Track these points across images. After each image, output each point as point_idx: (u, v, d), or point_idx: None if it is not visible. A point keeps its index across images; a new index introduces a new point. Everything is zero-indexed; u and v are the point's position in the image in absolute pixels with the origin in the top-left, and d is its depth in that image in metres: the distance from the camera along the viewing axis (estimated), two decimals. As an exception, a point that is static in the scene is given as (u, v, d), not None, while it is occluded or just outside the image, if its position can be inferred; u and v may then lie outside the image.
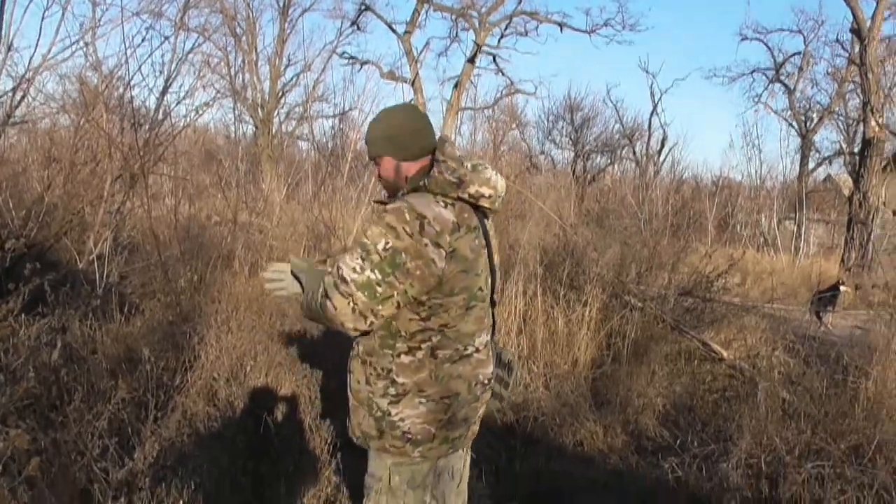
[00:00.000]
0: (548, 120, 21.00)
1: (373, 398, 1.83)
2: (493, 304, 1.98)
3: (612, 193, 13.44)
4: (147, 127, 5.87)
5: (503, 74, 18.21)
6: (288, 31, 16.79)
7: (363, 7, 17.35)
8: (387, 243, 1.70)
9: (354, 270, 1.71)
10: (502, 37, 17.80)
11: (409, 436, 1.82)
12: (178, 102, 6.25)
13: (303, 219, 8.43)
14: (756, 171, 19.51)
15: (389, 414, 1.82)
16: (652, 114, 20.12)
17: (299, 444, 3.22)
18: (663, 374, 4.59)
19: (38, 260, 3.01)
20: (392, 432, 1.83)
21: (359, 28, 17.89)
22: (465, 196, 1.81)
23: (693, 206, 13.62)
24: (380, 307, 1.72)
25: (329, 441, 3.11)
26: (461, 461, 2.07)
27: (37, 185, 6.13)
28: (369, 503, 1.93)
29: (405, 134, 1.89)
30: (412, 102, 14.43)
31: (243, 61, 15.33)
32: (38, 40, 5.63)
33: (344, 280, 1.72)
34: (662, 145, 19.93)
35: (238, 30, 15.22)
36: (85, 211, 5.25)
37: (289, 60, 17.02)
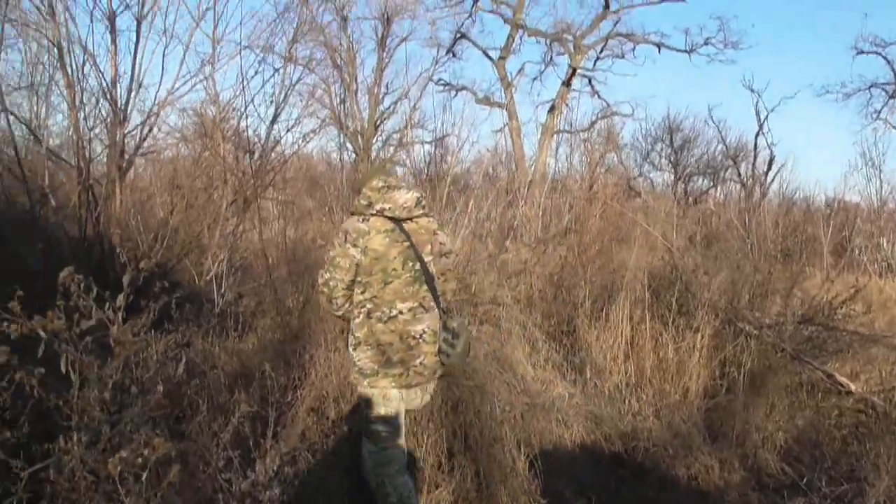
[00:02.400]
0: (646, 142, 20.50)
1: (349, 349, 2.87)
2: (430, 282, 2.79)
3: (716, 216, 12.85)
4: (258, 155, 6.16)
5: (599, 97, 18.00)
6: (386, 60, 17.31)
7: (458, 35, 17.68)
8: (330, 254, 2.82)
9: (320, 277, 2.88)
10: (598, 59, 17.65)
11: (361, 370, 2.80)
12: (288, 130, 6.52)
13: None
14: (876, 192, 18.12)
15: (352, 357, 2.84)
16: (758, 134, 19.19)
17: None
18: (783, 407, 4.32)
19: (163, 279, 3.18)
20: (353, 369, 2.85)
21: (454, 55, 18.22)
22: (374, 212, 2.76)
23: (805, 230, 12.83)
24: (335, 294, 2.82)
25: (438, 457, 3.10)
26: (418, 398, 2.93)
27: (160, 210, 6.57)
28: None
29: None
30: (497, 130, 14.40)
31: (345, 91, 15.88)
32: (162, 77, 6.05)
33: (318, 284, 2.91)
34: (770, 166, 18.96)
35: (339, 61, 15.84)
36: (203, 234, 5.57)
37: (387, 89, 17.49)
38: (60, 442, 2.41)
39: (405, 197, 2.78)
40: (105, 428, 2.53)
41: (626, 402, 4.14)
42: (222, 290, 5.00)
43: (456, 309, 3.20)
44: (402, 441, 2.83)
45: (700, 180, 20.37)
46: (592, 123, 16.60)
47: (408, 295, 2.75)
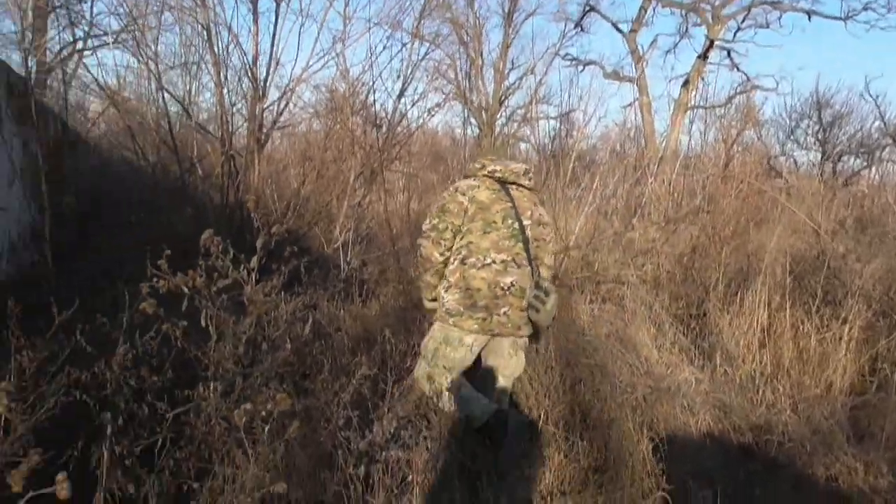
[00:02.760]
0: (790, 118, 18.89)
1: (439, 290, 3.12)
2: (525, 242, 3.00)
3: (871, 199, 11.70)
4: (385, 128, 6.31)
5: (739, 70, 16.77)
6: (512, 36, 17.10)
7: (587, 8, 17.09)
8: (440, 203, 3.10)
9: (427, 223, 3.11)
10: (738, 30, 16.37)
11: (448, 311, 3.03)
12: (413, 105, 6.64)
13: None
14: None
15: (442, 299, 3.08)
16: (924, 109, 17.22)
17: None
18: (945, 411, 3.84)
19: (294, 245, 3.32)
20: (441, 309, 3.08)
21: (582, 29, 17.66)
22: (486, 173, 3.11)
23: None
24: (444, 236, 3.02)
25: (560, 425, 3.04)
26: (505, 345, 3.11)
27: (293, 180, 6.91)
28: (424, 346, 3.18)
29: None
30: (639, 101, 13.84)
31: (470, 66, 15.89)
32: (298, 54, 6.32)
33: (423, 231, 3.11)
34: (936, 145, 16.92)
35: (465, 37, 15.86)
36: (332, 203, 5.80)
37: (512, 64, 17.33)
38: (199, 390, 2.60)
39: (517, 165, 3.14)
40: (238, 380, 2.69)
41: (760, 392, 3.85)
42: (348, 258, 5.18)
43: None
44: (454, 375, 3.05)
45: (851, 160, 18.54)
46: (730, 98, 15.50)
47: (503, 248, 2.97)
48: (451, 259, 3.04)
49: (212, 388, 2.55)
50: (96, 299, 4.44)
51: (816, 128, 18.43)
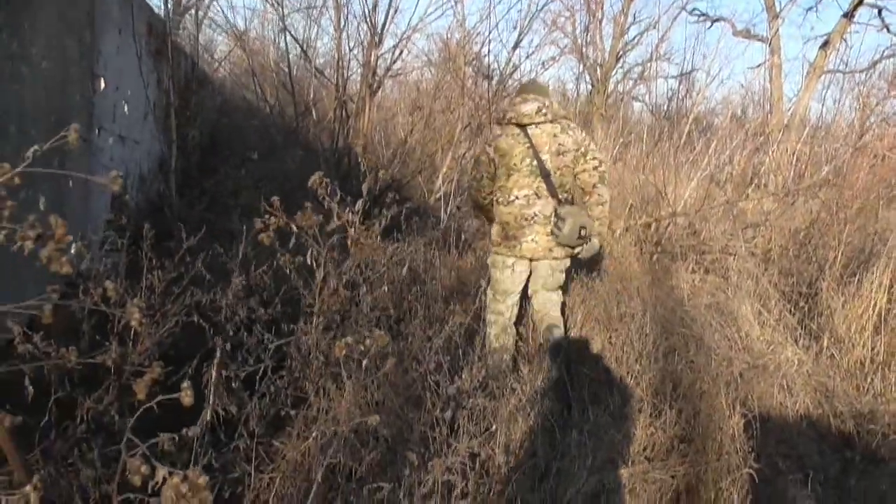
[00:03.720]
0: (942, 88, 17.01)
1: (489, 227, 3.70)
2: (546, 175, 3.33)
3: None
4: (496, 80, 6.24)
5: (889, 31, 15.17)
6: (637, -14, 16.28)
7: (723, -43, 15.91)
8: (476, 155, 3.64)
9: (469, 176, 3.78)
10: (895, -15, 14.77)
11: (492, 241, 3.56)
12: (527, 57, 6.48)
13: (630, 180, 8.25)
14: None
15: (489, 232, 3.64)
16: None
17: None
18: None
19: (397, 192, 3.40)
20: (490, 240, 3.62)
21: (715, -19, 16.51)
22: (508, 119, 3.41)
23: None
24: (483, 184, 3.53)
25: (649, 392, 3.02)
26: (545, 268, 3.48)
27: (401, 130, 7.02)
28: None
29: None
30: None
31: (589, 19, 15.32)
32: (418, 2, 6.31)
33: (468, 182, 3.89)
34: None
35: (586, -13, 15.24)
36: (437, 154, 5.86)
37: (634, 18, 16.53)
38: (302, 324, 2.77)
39: (527, 107, 3.36)
40: (337, 318, 2.83)
41: (868, 379, 3.63)
42: (448, 209, 5.25)
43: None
44: (511, 301, 3.55)
45: None
46: (874, 63, 14.17)
47: (524, 185, 3.37)
48: (492, 200, 3.55)
49: (314, 323, 2.70)
50: (215, 228, 4.78)
51: (973, 100, 16.53)
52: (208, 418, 2.32)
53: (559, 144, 3.35)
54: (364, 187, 3.00)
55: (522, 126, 3.34)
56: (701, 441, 2.77)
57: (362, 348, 1.90)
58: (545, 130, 3.34)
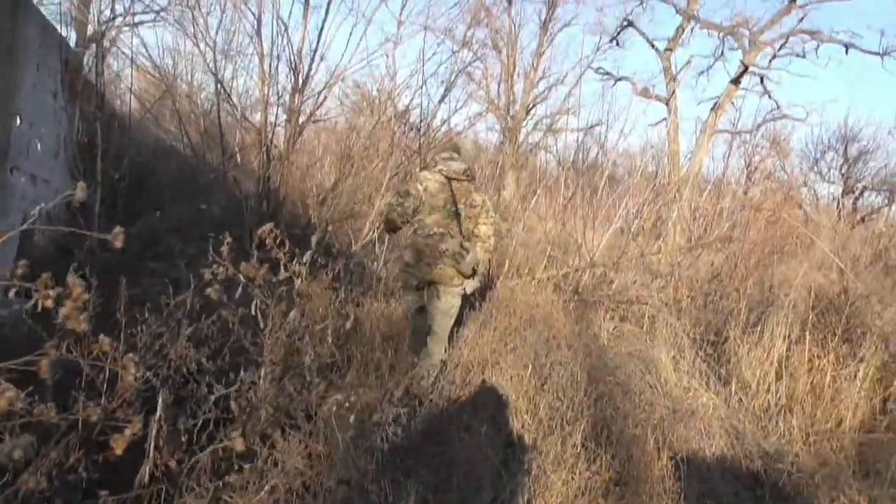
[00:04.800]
0: (815, 150, 18.87)
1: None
2: (459, 220, 4.05)
3: (888, 237, 11.73)
4: (423, 131, 6.42)
5: (770, 97, 16.74)
6: (546, 45, 17.20)
7: (625, 24, 17.10)
8: (405, 186, 4.21)
9: (393, 200, 4.10)
10: (774, 57, 16.32)
11: (406, 263, 4.15)
12: (455, 111, 6.77)
13: (541, 227, 8.60)
14: None
15: (403, 253, 4.27)
16: (951, 151, 17.11)
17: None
18: (952, 455, 3.94)
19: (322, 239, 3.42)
20: (401, 261, 4.26)
21: (617, 44, 17.66)
22: (437, 170, 4.08)
23: None
24: (406, 211, 4.00)
25: (578, 445, 3.15)
26: (438, 292, 4.05)
27: (326, 175, 7.05)
28: None
29: None
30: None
31: (502, 73, 16.01)
32: (345, 50, 6.43)
33: (390, 203, 4.13)
34: (964, 187, 16.85)
35: (500, 43, 15.98)
36: (364, 201, 5.94)
37: (544, 73, 17.42)
38: (243, 375, 2.73)
39: (457, 166, 4.13)
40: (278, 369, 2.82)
41: (774, 422, 3.96)
42: (381, 257, 5.31)
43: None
44: (423, 316, 4.19)
45: (873, 196, 18.50)
46: (759, 125, 15.57)
47: (442, 224, 4.05)
48: (409, 228, 4.15)
49: (262, 374, 2.68)
50: (139, 272, 4.61)
51: (841, 161, 18.44)
52: (149, 471, 2.26)
53: (472, 200, 4.16)
54: (314, 238, 3.03)
55: (449, 178, 4.10)
56: (634, 484, 2.93)
57: (348, 404, 1.93)
58: (464, 186, 4.16)
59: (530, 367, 3.87)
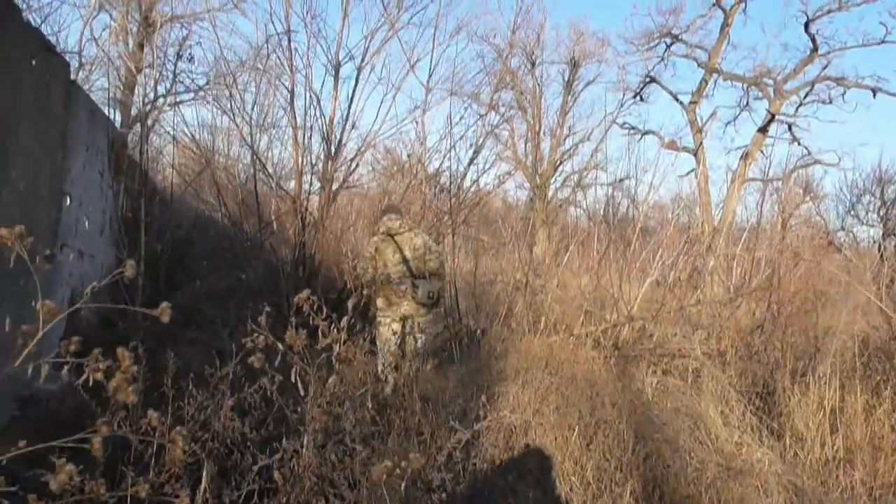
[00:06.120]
0: (851, 193, 18.57)
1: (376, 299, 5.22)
2: (408, 265, 5.08)
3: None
4: (454, 193, 6.53)
5: (800, 144, 16.65)
6: (571, 103, 17.51)
7: (648, 79, 17.34)
8: (364, 253, 5.37)
9: (361, 263, 5.32)
10: (801, 105, 16.32)
11: (379, 308, 5.14)
12: (484, 172, 6.92)
13: (575, 283, 8.54)
14: None
15: (376, 302, 5.17)
16: None
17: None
18: None
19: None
20: (376, 307, 5.16)
21: (641, 99, 17.87)
22: (381, 231, 5.21)
23: None
24: (367, 273, 5.18)
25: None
26: (415, 322, 5.06)
27: (361, 240, 7.16)
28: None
29: None
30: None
31: (528, 132, 16.28)
32: (376, 118, 6.65)
33: (359, 265, 5.37)
34: None
35: (525, 103, 16.31)
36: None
37: (569, 131, 17.66)
38: (285, 444, 2.73)
39: (393, 223, 5.15)
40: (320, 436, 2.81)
41: (834, 476, 3.78)
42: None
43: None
44: (390, 347, 5.07)
45: (912, 237, 18.00)
46: (790, 172, 15.43)
47: (396, 271, 5.07)
48: (377, 280, 5.15)
49: (305, 442, 2.68)
50: (180, 340, 4.70)
51: (878, 203, 18.08)
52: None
53: (414, 245, 5.14)
54: (350, 303, 3.07)
55: (391, 234, 5.13)
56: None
57: (399, 470, 1.91)
58: (405, 236, 5.16)
59: (575, 427, 3.79)
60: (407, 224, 5.21)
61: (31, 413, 3.56)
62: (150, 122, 9.21)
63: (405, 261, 5.06)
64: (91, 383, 1.88)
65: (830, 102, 15.94)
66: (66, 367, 1.93)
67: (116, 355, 1.82)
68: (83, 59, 7.23)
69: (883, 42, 15.09)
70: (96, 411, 2.07)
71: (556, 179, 17.42)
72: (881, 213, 17.97)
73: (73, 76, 4.89)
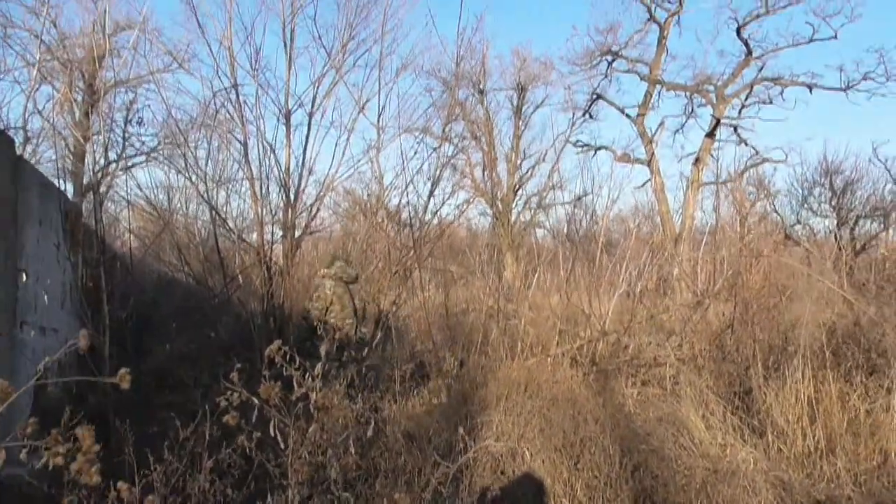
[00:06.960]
0: (802, 187, 19.13)
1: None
2: (353, 304, 5.97)
3: (892, 262, 11.72)
4: (416, 227, 6.56)
5: (747, 145, 17.17)
6: (522, 127, 17.79)
7: (595, 97, 17.76)
8: (317, 293, 6.06)
9: (315, 302, 5.99)
10: (743, 107, 16.88)
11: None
12: (443, 203, 6.95)
13: (546, 303, 8.58)
14: None
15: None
16: (935, 166, 17.30)
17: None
18: None
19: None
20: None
21: (591, 116, 18.27)
22: (322, 275, 5.97)
23: None
24: (317, 308, 5.95)
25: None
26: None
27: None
28: None
29: None
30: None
31: (484, 160, 16.43)
32: (332, 162, 6.68)
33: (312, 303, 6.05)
34: (952, 201, 17.00)
35: (477, 132, 16.50)
36: (368, 304, 6.02)
37: (524, 154, 17.92)
38: (269, 502, 2.67)
39: (332, 270, 5.88)
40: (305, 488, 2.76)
41: (818, 466, 3.83)
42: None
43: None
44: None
45: (868, 224, 18.60)
46: (741, 172, 15.87)
47: (344, 305, 5.81)
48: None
49: (289, 497, 2.63)
50: (153, 405, 4.58)
51: (829, 194, 18.64)
52: None
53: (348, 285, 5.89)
54: (323, 349, 3.04)
55: (337, 278, 5.82)
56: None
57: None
58: (341, 279, 5.84)
59: (561, 448, 3.78)
60: (343, 271, 5.92)
61: (4, 501, 3.43)
62: (103, 188, 9.10)
63: (351, 299, 5.89)
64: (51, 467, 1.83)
65: (771, 102, 16.56)
66: (24, 450, 1.88)
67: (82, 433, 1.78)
68: (29, 133, 7.15)
69: (812, 41, 15.78)
70: (63, 493, 2.01)
71: (517, 203, 17.63)
72: (833, 203, 18.53)
73: (19, 151, 4.82)
